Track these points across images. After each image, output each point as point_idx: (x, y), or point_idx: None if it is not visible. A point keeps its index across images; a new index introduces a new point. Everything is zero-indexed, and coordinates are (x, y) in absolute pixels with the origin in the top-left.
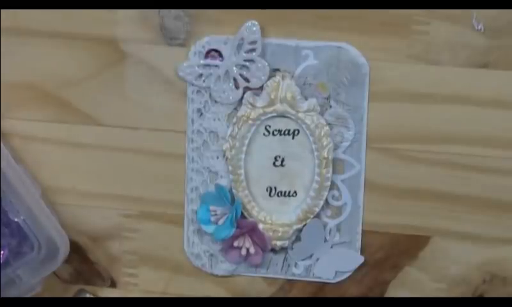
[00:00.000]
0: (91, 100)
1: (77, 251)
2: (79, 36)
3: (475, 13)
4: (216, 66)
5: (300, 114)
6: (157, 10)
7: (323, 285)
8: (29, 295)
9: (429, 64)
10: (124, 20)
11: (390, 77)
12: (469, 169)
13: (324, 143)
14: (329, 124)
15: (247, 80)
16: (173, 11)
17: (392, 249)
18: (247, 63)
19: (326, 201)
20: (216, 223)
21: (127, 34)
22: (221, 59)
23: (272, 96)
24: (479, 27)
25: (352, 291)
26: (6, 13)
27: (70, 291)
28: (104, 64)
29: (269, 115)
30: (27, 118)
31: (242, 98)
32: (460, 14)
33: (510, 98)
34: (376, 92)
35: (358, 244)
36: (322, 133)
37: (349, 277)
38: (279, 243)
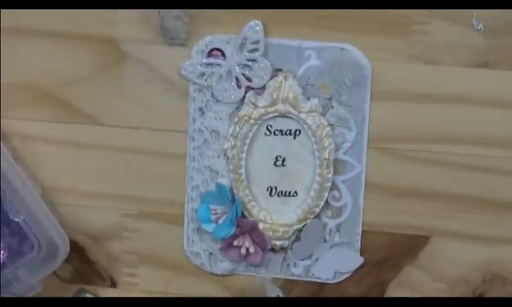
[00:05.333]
0: (91, 100)
1: (77, 251)
2: (79, 36)
3: (475, 13)
4: (219, 65)
5: (302, 115)
6: (157, 10)
7: (323, 285)
8: (29, 295)
9: (429, 64)
10: (124, 20)
11: (390, 77)
12: (469, 169)
13: (326, 144)
14: (330, 125)
15: (249, 79)
16: (173, 11)
17: (392, 249)
18: (249, 63)
19: (327, 202)
20: (216, 222)
21: (127, 34)
22: (223, 58)
23: (275, 96)
24: (479, 27)
25: (352, 291)
26: (6, 13)
27: (70, 291)
28: (104, 64)
29: (271, 115)
30: (27, 118)
31: (244, 97)
32: (460, 14)
33: (510, 98)
34: (376, 92)
35: (358, 245)
36: (324, 134)
37: (349, 277)
38: (279, 243)
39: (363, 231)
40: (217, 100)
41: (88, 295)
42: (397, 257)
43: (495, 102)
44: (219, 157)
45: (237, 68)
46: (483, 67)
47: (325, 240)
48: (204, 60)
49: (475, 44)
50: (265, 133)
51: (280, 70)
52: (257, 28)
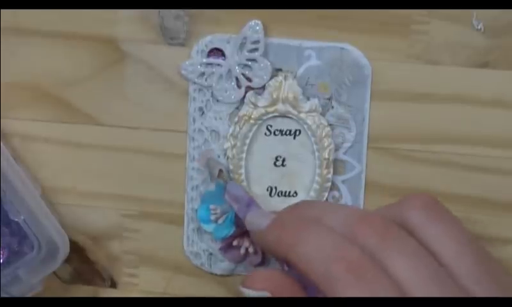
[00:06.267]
0: (91, 100)
1: (77, 251)
2: (79, 36)
3: (475, 13)
4: (219, 65)
5: (302, 115)
6: (157, 10)
7: None
8: (29, 295)
9: (429, 64)
10: (124, 20)
11: (390, 77)
12: (469, 169)
13: (325, 144)
14: (330, 125)
15: (249, 79)
16: (173, 11)
17: None
18: (249, 63)
19: None
20: (216, 222)
21: (127, 34)
22: (223, 58)
23: (275, 96)
24: (479, 27)
25: None
26: (6, 13)
27: (70, 292)
28: (104, 64)
29: (271, 115)
30: (27, 118)
31: (244, 97)
32: (460, 14)
33: (510, 98)
34: (376, 92)
35: None
36: (324, 134)
37: None
38: None
39: None
40: (217, 100)
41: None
42: None
43: (495, 102)
44: (219, 156)
45: (237, 67)
46: (483, 67)
47: None
48: (204, 60)
49: (475, 44)
50: (265, 134)
51: (280, 69)
52: (257, 28)
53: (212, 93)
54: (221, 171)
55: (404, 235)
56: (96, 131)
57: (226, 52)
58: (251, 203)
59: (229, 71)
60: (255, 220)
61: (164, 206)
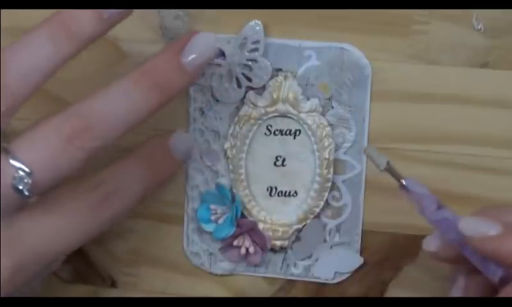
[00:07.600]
0: None
1: (77, 251)
2: None
3: (475, 13)
4: (219, 65)
5: (302, 115)
6: (157, 10)
7: (323, 285)
8: (29, 295)
9: (429, 64)
10: (124, 20)
11: (390, 77)
12: (469, 169)
13: (326, 144)
14: (330, 125)
15: (249, 79)
16: (173, 11)
17: (392, 249)
18: (249, 63)
19: (327, 202)
20: (216, 222)
21: (127, 34)
22: (223, 58)
23: (275, 96)
24: (479, 27)
25: (352, 291)
26: (6, 13)
27: (70, 291)
28: (104, 64)
29: (271, 115)
30: (27, 118)
31: (244, 97)
32: (460, 14)
33: (510, 98)
34: (375, 92)
35: (358, 245)
36: (324, 134)
37: (348, 277)
38: (278, 243)
39: (363, 231)
40: (217, 100)
41: None
42: (397, 257)
43: (495, 101)
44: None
45: (237, 67)
46: (483, 67)
47: (325, 240)
48: None
49: (475, 44)
50: (265, 133)
51: (280, 69)
52: (257, 28)
53: (212, 93)
54: (388, 163)
55: None
56: None
57: (227, 52)
58: (439, 202)
59: (229, 71)
60: (478, 227)
61: (164, 206)
